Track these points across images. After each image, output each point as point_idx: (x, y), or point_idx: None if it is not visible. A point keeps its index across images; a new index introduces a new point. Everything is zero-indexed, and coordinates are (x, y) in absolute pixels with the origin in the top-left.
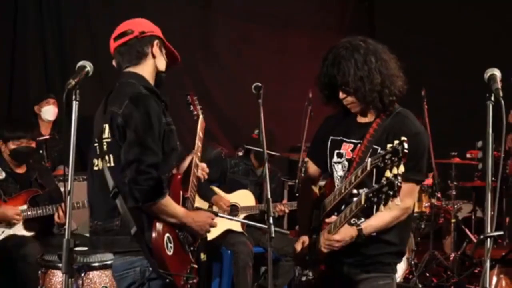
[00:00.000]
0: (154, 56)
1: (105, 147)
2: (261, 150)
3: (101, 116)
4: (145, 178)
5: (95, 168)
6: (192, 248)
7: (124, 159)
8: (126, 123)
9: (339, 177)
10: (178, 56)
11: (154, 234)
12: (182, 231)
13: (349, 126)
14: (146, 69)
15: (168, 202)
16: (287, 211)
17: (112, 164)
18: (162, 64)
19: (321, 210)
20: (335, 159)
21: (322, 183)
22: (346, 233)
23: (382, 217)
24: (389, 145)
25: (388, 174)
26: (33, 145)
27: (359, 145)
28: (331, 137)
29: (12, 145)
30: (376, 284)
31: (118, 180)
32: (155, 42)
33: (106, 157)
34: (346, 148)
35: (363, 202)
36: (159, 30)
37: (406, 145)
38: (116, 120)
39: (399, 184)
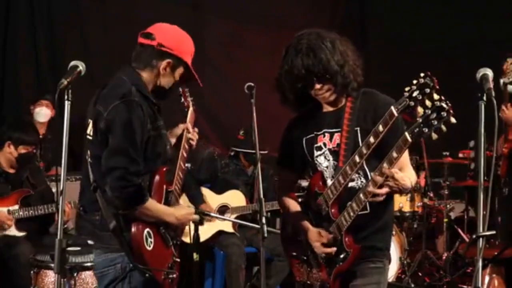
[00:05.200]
0: (159, 73)
1: (87, 141)
2: (249, 151)
3: (91, 109)
4: (125, 185)
5: (86, 157)
6: (174, 242)
7: (104, 166)
8: (109, 129)
9: (325, 168)
10: (199, 82)
11: (133, 229)
12: (164, 226)
13: (317, 119)
14: (147, 77)
15: (150, 205)
16: None
17: (90, 160)
18: (166, 82)
19: (324, 201)
20: (316, 153)
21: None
22: (404, 177)
23: (412, 174)
24: (407, 88)
25: (421, 109)
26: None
27: (337, 133)
28: (304, 138)
29: (23, 150)
30: (366, 267)
31: (96, 176)
32: (167, 61)
33: (88, 151)
34: (323, 139)
35: (409, 139)
36: (187, 49)
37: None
38: (100, 123)
39: (448, 104)
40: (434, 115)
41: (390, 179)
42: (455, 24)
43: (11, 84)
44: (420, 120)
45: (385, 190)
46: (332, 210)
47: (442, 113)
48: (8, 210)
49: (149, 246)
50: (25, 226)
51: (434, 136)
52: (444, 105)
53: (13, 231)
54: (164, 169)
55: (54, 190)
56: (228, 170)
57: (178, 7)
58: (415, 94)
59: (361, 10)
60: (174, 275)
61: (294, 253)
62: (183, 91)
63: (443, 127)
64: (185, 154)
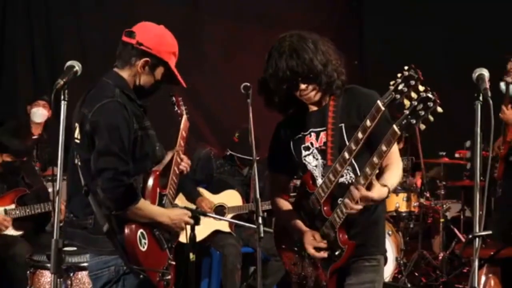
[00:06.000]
0: (138, 71)
1: (75, 145)
2: (243, 157)
3: (77, 112)
4: (115, 186)
5: (75, 160)
6: (169, 245)
7: (93, 168)
8: (94, 131)
9: (314, 168)
10: (182, 83)
11: (126, 231)
12: (158, 228)
13: (303, 120)
14: (129, 75)
15: (142, 205)
16: None
17: (80, 164)
18: (146, 81)
19: (316, 200)
20: (304, 154)
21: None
22: (381, 192)
23: (395, 172)
24: (392, 82)
25: (407, 102)
26: (24, 159)
27: (323, 131)
28: (292, 139)
29: (7, 158)
30: (360, 265)
31: (87, 179)
32: (144, 60)
33: (78, 156)
34: (310, 139)
35: (398, 131)
36: (168, 49)
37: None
38: (85, 125)
39: (434, 94)
40: (421, 105)
41: (363, 201)
42: (455, 24)
43: (8, 85)
44: (407, 112)
45: (359, 206)
46: (325, 208)
47: (428, 103)
48: (5, 210)
49: (143, 247)
50: (22, 225)
51: (422, 126)
52: (430, 95)
53: (10, 231)
54: (157, 173)
55: (50, 190)
56: (223, 170)
57: (177, 6)
58: (400, 87)
59: (359, 10)
60: (169, 277)
61: (285, 246)
62: (177, 99)
63: (431, 117)
64: (175, 179)
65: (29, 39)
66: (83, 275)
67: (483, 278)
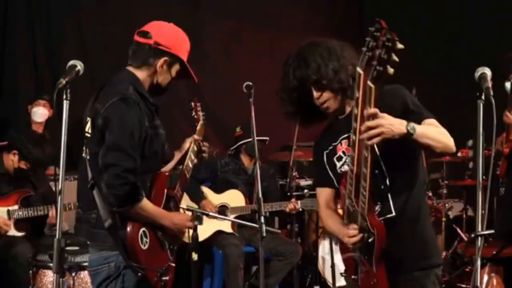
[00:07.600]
0: (156, 71)
1: (86, 139)
2: (251, 139)
3: (90, 107)
4: (121, 183)
5: (83, 155)
6: (172, 246)
7: (101, 162)
8: (105, 126)
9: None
10: (195, 78)
11: (128, 228)
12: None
13: (332, 130)
14: (144, 75)
15: (144, 205)
16: (298, 206)
17: (88, 157)
18: (163, 79)
19: (348, 198)
20: (338, 165)
21: None
22: (397, 120)
23: (432, 127)
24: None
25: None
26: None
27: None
28: (324, 152)
29: (23, 165)
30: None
31: (94, 173)
32: (163, 59)
33: (87, 149)
34: (341, 148)
35: (371, 85)
36: (183, 47)
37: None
38: (97, 120)
39: (391, 33)
40: (384, 50)
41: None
42: (455, 24)
43: (9, 84)
44: (375, 62)
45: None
46: (356, 200)
47: (387, 44)
48: (8, 210)
49: (144, 246)
50: (25, 226)
51: (391, 70)
52: (388, 36)
53: (12, 231)
54: (166, 174)
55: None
56: (228, 169)
57: (178, 5)
58: (370, 44)
59: (360, 9)
60: (167, 278)
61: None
62: (195, 104)
63: (395, 58)
64: (190, 165)
65: (30, 39)
66: (85, 275)
67: (485, 277)
